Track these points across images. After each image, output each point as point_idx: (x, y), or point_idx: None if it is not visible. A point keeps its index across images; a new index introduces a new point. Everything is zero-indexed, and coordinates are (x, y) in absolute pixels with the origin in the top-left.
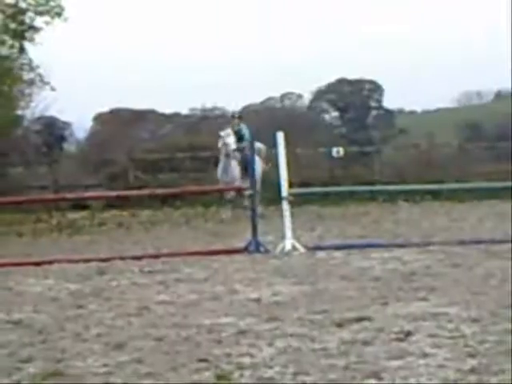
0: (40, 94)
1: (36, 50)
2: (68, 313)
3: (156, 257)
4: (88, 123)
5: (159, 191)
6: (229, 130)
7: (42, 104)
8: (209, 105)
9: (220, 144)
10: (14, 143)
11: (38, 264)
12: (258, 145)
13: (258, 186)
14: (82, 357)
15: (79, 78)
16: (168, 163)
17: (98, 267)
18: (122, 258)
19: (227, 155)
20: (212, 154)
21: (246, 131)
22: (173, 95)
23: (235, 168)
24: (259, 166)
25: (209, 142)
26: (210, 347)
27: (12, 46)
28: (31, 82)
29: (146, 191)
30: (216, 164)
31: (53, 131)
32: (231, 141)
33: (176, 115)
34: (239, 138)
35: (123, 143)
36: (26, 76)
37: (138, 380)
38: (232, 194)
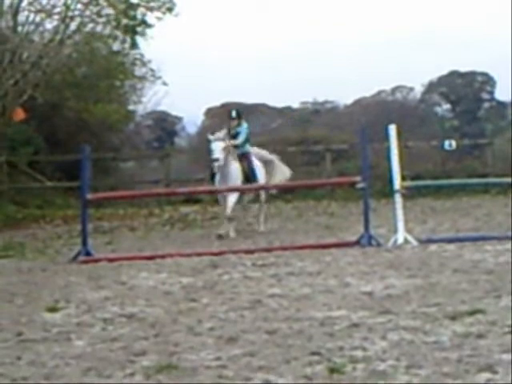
0: (152, 88)
1: (147, 45)
2: (181, 306)
3: (268, 250)
4: (199, 118)
5: (270, 185)
6: (221, 134)
7: (153, 99)
8: (320, 98)
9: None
10: (125, 138)
11: (150, 258)
12: (257, 150)
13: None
14: (195, 350)
15: (190, 72)
16: (279, 157)
17: (210, 261)
18: (234, 252)
19: (220, 166)
20: (325, 148)
21: (244, 134)
22: (284, 89)
23: (233, 177)
24: (261, 173)
25: (320, 136)
26: (322, 340)
27: (124, 42)
28: (143, 77)
29: (257, 185)
30: (212, 178)
31: (164, 126)
32: (216, 148)
33: (287, 109)
34: (235, 136)
35: None
36: (138, 71)
37: (250, 373)
38: (229, 212)
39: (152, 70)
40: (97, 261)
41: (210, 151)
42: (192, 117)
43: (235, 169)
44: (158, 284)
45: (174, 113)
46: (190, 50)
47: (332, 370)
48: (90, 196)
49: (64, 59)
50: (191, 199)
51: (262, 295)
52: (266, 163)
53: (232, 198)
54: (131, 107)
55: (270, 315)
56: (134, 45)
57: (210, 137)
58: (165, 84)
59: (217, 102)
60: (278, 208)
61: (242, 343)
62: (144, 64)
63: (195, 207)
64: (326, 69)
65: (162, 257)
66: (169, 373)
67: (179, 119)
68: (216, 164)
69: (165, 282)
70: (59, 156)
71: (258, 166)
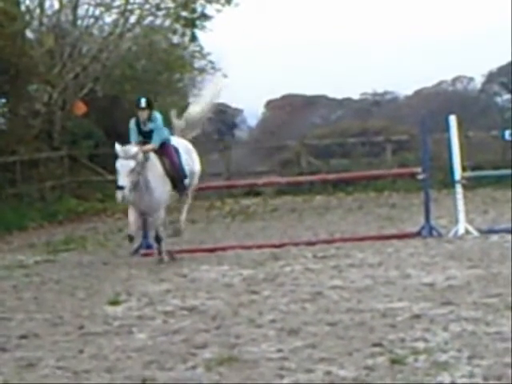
0: (212, 81)
1: (207, 37)
2: (242, 299)
3: (329, 242)
4: (259, 110)
5: (331, 177)
6: (132, 149)
7: None
8: (380, 89)
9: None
10: None
11: (211, 250)
12: (184, 144)
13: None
14: (257, 342)
15: (250, 64)
16: (340, 148)
17: (271, 253)
18: (295, 244)
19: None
20: (385, 139)
21: (159, 131)
22: (344, 80)
23: (160, 186)
24: (192, 156)
25: (380, 127)
26: (384, 332)
27: (183, 34)
28: (202, 70)
29: (318, 177)
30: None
31: (224, 118)
32: (123, 169)
33: (347, 100)
34: (146, 137)
35: (295, 129)
36: (198, 63)
37: (312, 365)
38: (133, 229)
39: (211, 63)
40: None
41: (116, 171)
42: (252, 109)
43: (157, 180)
44: (219, 276)
45: (234, 105)
46: (250, 42)
47: (394, 362)
48: None
49: (123, 53)
50: (252, 192)
51: (323, 287)
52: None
53: (156, 223)
54: (191, 100)
55: (332, 307)
56: (193, 38)
57: (118, 148)
58: (225, 76)
59: (277, 94)
60: (338, 199)
61: (304, 335)
62: (203, 56)
63: (256, 200)
64: (387, 59)
65: (223, 249)
66: (230, 365)
67: (239, 111)
68: (119, 194)
69: (226, 274)
70: None
71: (187, 148)
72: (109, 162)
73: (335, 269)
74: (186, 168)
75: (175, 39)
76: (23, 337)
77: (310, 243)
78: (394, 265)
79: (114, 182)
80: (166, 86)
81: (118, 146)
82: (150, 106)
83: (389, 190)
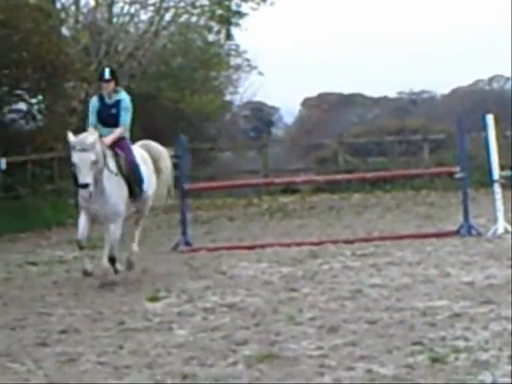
0: (248, 79)
1: (243, 36)
2: (281, 296)
3: (367, 240)
4: (295, 108)
5: (369, 175)
6: (90, 137)
7: (249, 89)
8: (417, 88)
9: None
10: (222, 128)
11: (250, 248)
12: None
13: (146, 209)
14: (297, 340)
15: (286, 62)
16: (377, 147)
17: (310, 251)
18: (333, 242)
19: (92, 162)
20: (422, 137)
21: (128, 112)
22: (380, 79)
23: (114, 194)
24: (149, 169)
25: (417, 126)
26: (424, 330)
27: (219, 32)
28: (238, 68)
29: (356, 175)
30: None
31: (261, 116)
32: (83, 164)
33: (384, 99)
34: (111, 115)
35: (331, 127)
36: (233, 61)
37: (352, 363)
38: (83, 234)
39: (247, 60)
40: (196, 250)
41: (73, 167)
42: (289, 107)
43: (112, 184)
44: (258, 274)
45: (270, 103)
46: (287, 40)
47: (434, 360)
48: (188, 186)
49: (159, 50)
50: (289, 189)
51: (363, 285)
52: (155, 159)
53: (114, 234)
54: (227, 98)
55: (371, 305)
56: (228, 35)
57: (72, 139)
58: (261, 74)
59: (313, 92)
60: (376, 198)
61: (343, 333)
62: (239, 54)
63: (293, 197)
64: (423, 58)
65: (262, 247)
66: (271, 362)
67: (276, 109)
68: (85, 193)
69: (265, 271)
70: None
71: (142, 157)
72: None
73: (374, 267)
74: (144, 174)
75: (210, 37)
76: (63, 332)
77: (349, 241)
78: (434, 263)
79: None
80: (203, 84)
81: (71, 136)
82: (114, 77)
83: (427, 188)
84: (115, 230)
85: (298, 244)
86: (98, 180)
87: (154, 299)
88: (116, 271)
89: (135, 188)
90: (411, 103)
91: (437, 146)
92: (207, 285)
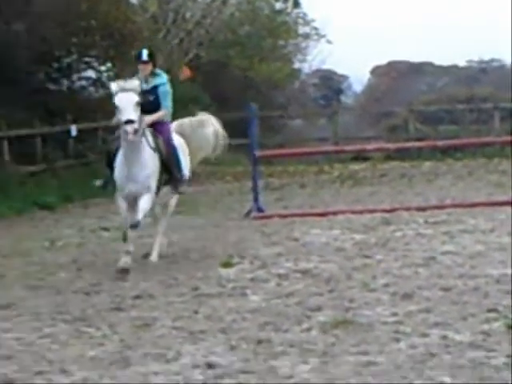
0: (316, 47)
1: (311, 4)
2: (354, 263)
3: (440, 208)
4: (365, 76)
5: (440, 143)
6: (132, 83)
7: (318, 57)
8: (487, 57)
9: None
10: (291, 96)
11: (322, 215)
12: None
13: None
14: (371, 306)
15: (356, 30)
16: (447, 115)
17: (382, 218)
18: (406, 209)
19: (128, 140)
20: (493, 106)
21: (167, 95)
22: (450, 47)
23: (149, 165)
24: (186, 156)
25: (488, 94)
26: (498, 298)
27: (286, 0)
28: (307, 36)
29: (427, 143)
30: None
31: (330, 84)
32: (127, 104)
33: (453, 67)
34: (148, 101)
35: (400, 96)
36: (302, 30)
37: (426, 329)
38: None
39: (316, 29)
40: (269, 217)
41: (116, 109)
42: (358, 75)
43: (149, 155)
44: (331, 240)
45: (339, 71)
46: (356, 8)
47: (510, 327)
48: (259, 153)
49: (226, 18)
50: (360, 157)
51: (436, 252)
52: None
53: (144, 204)
54: (296, 66)
55: (445, 272)
56: (296, 3)
57: (113, 85)
58: (329, 42)
59: (383, 61)
60: (447, 166)
61: (418, 299)
62: (307, 23)
63: (364, 165)
64: (493, 27)
65: (334, 213)
66: (345, 328)
67: (345, 78)
68: (129, 128)
69: (337, 238)
70: (227, 114)
71: (180, 144)
72: None
73: (447, 234)
74: (183, 160)
75: (278, 5)
76: (138, 297)
77: (421, 208)
78: (507, 231)
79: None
80: (271, 52)
81: (113, 83)
82: (152, 59)
83: (498, 156)
84: (145, 203)
85: (370, 211)
86: (134, 149)
87: (227, 265)
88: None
89: (175, 171)
90: (481, 72)
91: (507, 114)
92: (280, 251)
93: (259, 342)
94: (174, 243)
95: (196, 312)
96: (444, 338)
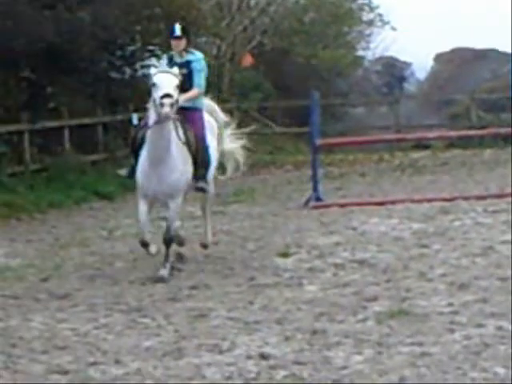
0: (380, 34)
1: None
2: (412, 252)
3: (500, 197)
4: (428, 63)
5: (502, 130)
6: (173, 69)
7: (381, 44)
8: None
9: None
10: (354, 84)
11: (381, 204)
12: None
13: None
14: (427, 296)
15: (419, 17)
16: (510, 102)
17: (441, 207)
18: (465, 198)
19: (163, 116)
20: None
21: (202, 73)
22: None
23: (179, 165)
24: (215, 148)
25: None
26: None
27: None
28: (371, 23)
29: (489, 130)
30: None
31: (393, 71)
32: (168, 82)
33: None
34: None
35: (464, 83)
36: (366, 16)
37: (483, 320)
38: (145, 228)
39: (380, 15)
40: (327, 206)
41: (153, 87)
42: (421, 62)
43: (179, 151)
44: (389, 230)
45: (402, 58)
46: None
47: None
48: (319, 142)
49: (291, 5)
50: (421, 145)
51: (494, 242)
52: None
53: (174, 215)
54: (359, 53)
55: (503, 262)
56: None
57: (153, 69)
58: (393, 29)
59: (446, 48)
60: (509, 154)
61: (475, 289)
62: (372, 9)
63: (425, 153)
64: None
65: (393, 202)
66: (401, 318)
67: (408, 65)
68: (167, 101)
69: (395, 227)
70: (288, 101)
71: (211, 137)
72: (277, 115)
73: (506, 224)
74: (213, 157)
75: None
76: (194, 287)
77: (481, 197)
78: None
79: (284, 134)
80: (334, 39)
81: (153, 68)
82: (186, 34)
83: None
84: (177, 204)
85: (429, 200)
86: (162, 142)
87: (284, 255)
88: (167, 259)
89: (200, 170)
90: None
91: None
92: (338, 241)
93: (314, 332)
94: (231, 232)
95: (251, 302)
96: (499, 328)
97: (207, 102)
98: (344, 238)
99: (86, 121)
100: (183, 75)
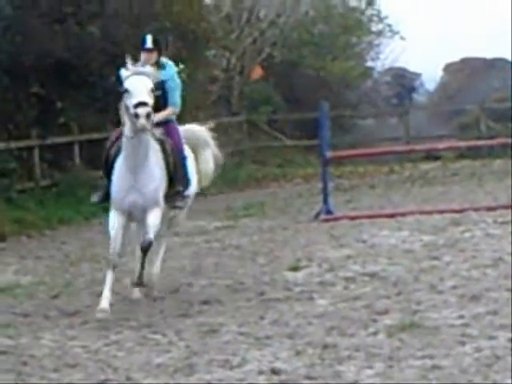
0: (389, 44)
1: (384, 1)
2: (422, 264)
3: (510, 207)
4: (437, 73)
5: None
6: (147, 68)
7: (391, 55)
8: None
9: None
10: (363, 95)
11: (391, 216)
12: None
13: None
14: (438, 308)
15: (428, 27)
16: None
17: (451, 218)
18: (475, 209)
19: (137, 129)
20: None
21: (176, 89)
22: None
23: (158, 173)
24: (192, 165)
25: None
26: None
27: None
28: (380, 33)
29: (497, 141)
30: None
31: (403, 82)
32: (141, 87)
33: None
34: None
35: (474, 93)
36: (375, 27)
37: (494, 332)
38: (116, 248)
39: (389, 26)
40: (338, 219)
41: (125, 93)
42: (431, 73)
43: (157, 160)
44: (399, 242)
45: (412, 69)
46: (429, 4)
47: None
48: (330, 154)
49: (301, 17)
50: (431, 156)
51: (504, 253)
52: (194, 146)
53: (155, 220)
54: (369, 64)
55: None
56: (370, 1)
57: (124, 71)
58: (402, 39)
59: (456, 58)
60: None
61: (485, 301)
62: (381, 20)
63: (435, 164)
64: None
65: (403, 214)
66: (412, 331)
67: (417, 75)
68: (143, 111)
69: (406, 240)
70: (298, 114)
71: (188, 153)
72: (287, 127)
73: None
74: (191, 171)
75: (352, 3)
76: (205, 302)
77: (491, 208)
78: None
79: (294, 146)
80: (344, 50)
81: (123, 69)
82: (158, 47)
83: None
84: (155, 218)
85: (440, 211)
86: (140, 151)
87: (294, 269)
88: (140, 276)
89: (178, 183)
90: None
91: None
92: (348, 254)
93: (325, 346)
94: (241, 246)
95: (262, 317)
96: (511, 340)
97: (186, 127)
98: (354, 251)
99: (96, 136)
100: (157, 97)
